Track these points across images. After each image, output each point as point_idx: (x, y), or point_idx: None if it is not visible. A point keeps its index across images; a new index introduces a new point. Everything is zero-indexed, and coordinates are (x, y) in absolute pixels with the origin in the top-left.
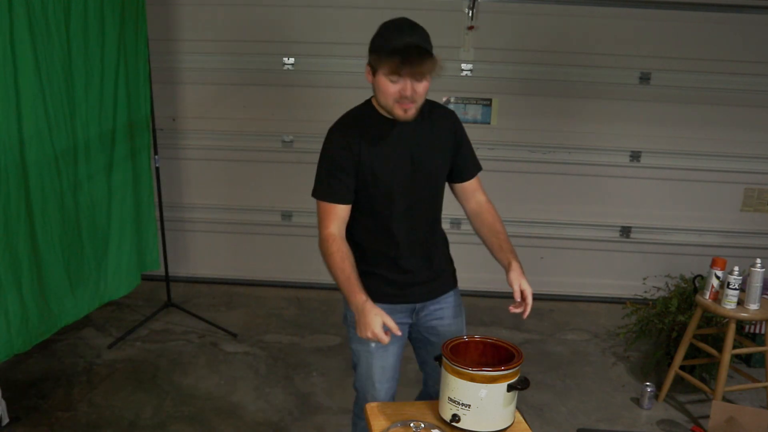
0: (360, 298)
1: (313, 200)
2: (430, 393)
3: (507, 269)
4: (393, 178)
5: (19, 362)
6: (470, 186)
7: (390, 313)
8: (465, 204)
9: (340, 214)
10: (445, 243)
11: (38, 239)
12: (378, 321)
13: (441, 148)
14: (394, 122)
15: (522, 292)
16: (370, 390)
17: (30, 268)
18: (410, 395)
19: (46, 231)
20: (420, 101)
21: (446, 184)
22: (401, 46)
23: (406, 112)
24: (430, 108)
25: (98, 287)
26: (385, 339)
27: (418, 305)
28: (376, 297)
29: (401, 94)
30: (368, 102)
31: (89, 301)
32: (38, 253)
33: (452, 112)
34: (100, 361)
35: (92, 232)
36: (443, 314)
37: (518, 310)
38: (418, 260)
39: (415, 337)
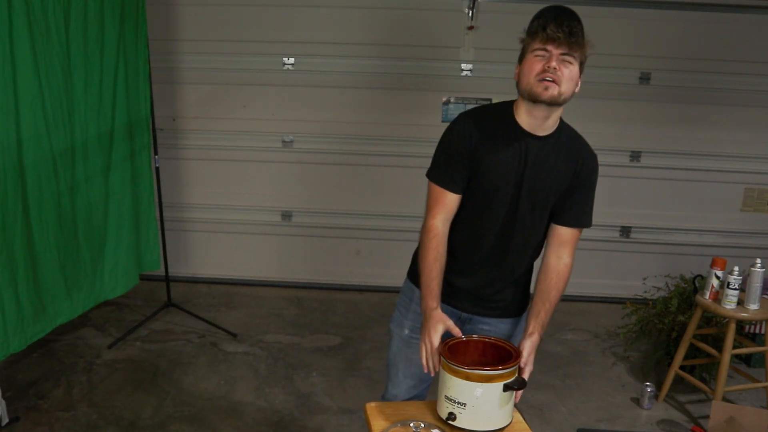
0: (431, 304)
1: (313, 200)
2: None
3: (526, 336)
4: (498, 185)
5: (18, 362)
6: (563, 235)
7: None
8: (547, 250)
9: (448, 203)
10: (525, 276)
11: (34, 240)
12: (439, 330)
13: (557, 179)
14: (523, 132)
15: (524, 362)
16: (393, 377)
17: (26, 268)
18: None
19: (43, 231)
20: (564, 86)
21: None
22: (554, 20)
23: (547, 89)
24: (566, 135)
25: (94, 287)
26: (427, 367)
27: (465, 315)
28: None
29: (545, 68)
30: (510, 102)
31: (84, 300)
32: (34, 254)
33: (591, 154)
34: (100, 361)
35: (89, 232)
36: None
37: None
38: (485, 275)
39: None
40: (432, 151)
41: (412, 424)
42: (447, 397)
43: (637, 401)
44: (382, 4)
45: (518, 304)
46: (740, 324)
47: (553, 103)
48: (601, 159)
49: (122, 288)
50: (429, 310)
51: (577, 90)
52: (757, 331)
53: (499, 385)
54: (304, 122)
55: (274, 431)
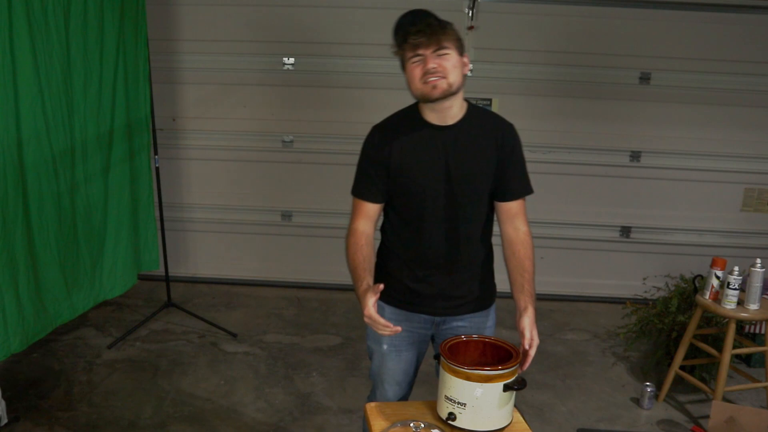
0: (360, 286)
1: (313, 200)
2: None
3: (521, 313)
4: (425, 184)
5: (19, 362)
6: (511, 209)
7: (407, 320)
8: (502, 226)
9: (368, 212)
10: (487, 262)
11: (35, 240)
12: (366, 308)
13: (481, 159)
14: (435, 127)
15: (530, 341)
16: (379, 387)
17: (26, 268)
18: (416, 395)
19: (43, 232)
20: (451, 77)
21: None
22: (413, 24)
23: (435, 87)
24: (476, 116)
25: (93, 287)
26: (386, 323)
27: (438, 318)
28: (396, 301)
29: (425, 71)
30: (415, 104)
31: (84, 300)
32: (35, 254)
33: (507, 125)
34: (100, 361)
35: (88, 232)
36: (467, 332)
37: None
38: (444, 275)
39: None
40: None
41: (412, 424)
42: (447, 397)
43: (637, 401)
44: (382, 4)
45: (487, 295)
46: (740, 324)
47: (447, 95)
48: (601, 159)
49: (121, 288)
50: (361, 290)
51: (466, 71)
52: (757, 331)
53: (499, 385)
54: (304, 122)
55: (274, 431)
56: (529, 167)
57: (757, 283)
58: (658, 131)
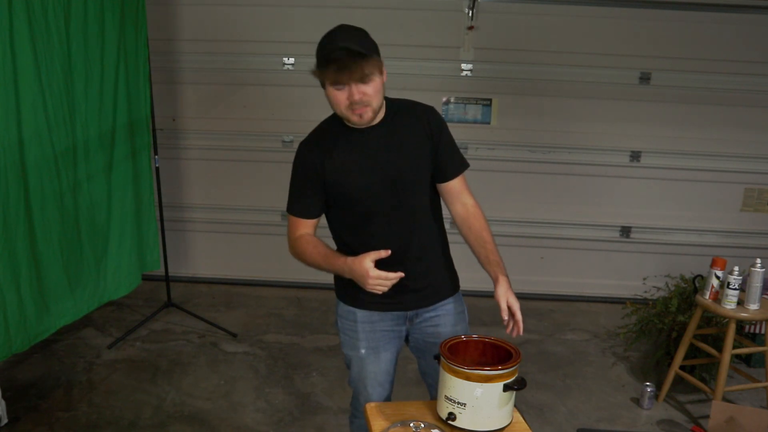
0: (341, 261)
1: None
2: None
3: (494, 283)
4: (363, 188)
5: (19, 362)
6: (454, 187)
7: (381, 320)
8: (450, 207)
9: (306, 225)
10: (443, 248)
11: (37, 239)
12: (367, 264)
13: (414, 149)
14: (361, 130)
15: (510, 308)
16: (362, 392)
17: (29, 268)
18: (410, 395)
19: (45, 231)
20: (375, 103)
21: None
22: (334, 52)
23: (362, 116)
24: (397, 109)
25: (97, 287)
26: (391, 275)
27: (410, 312)
28: (366, 304)
29: (349, 100)
30: (335, 113)
31: (88, 301)
32: (37, 254)
33: (428, 109)
34: (100, 361)
35: (91, 232)
36: (440, 321)
37: (509, 329)
38: (406, 267)
39: (414, 346)
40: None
41: (412, 424)
42: (447, 397)
43: (637, 401)
44: (382, 4)
45: (453, 279)
46: (740, 324)
47: (372, 120)
48: (601, 159)
49: (126, 288)
50: (344, 264)
51: (385, 79)
52: (757, 331)
53: (499, 385)
54: (304, 122)
55: (274, 431)
56: (530, 167)
57: (757, 283)
58: (658, 131)
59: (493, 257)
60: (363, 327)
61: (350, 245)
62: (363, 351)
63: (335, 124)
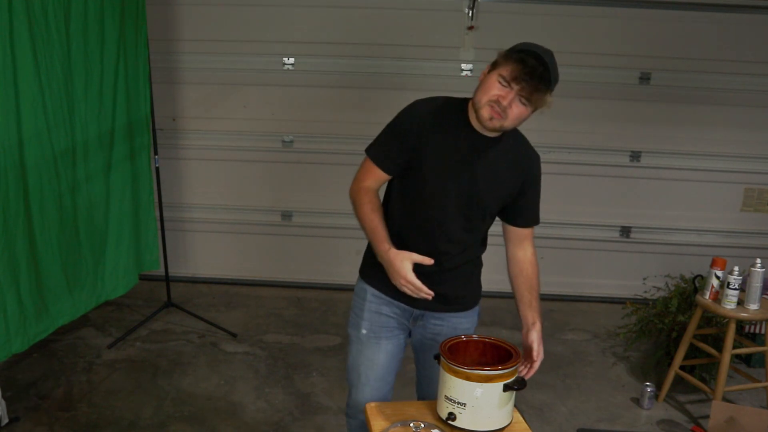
0: (384, 247)
1: (313, 200)
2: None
3: (530, 327)
4: (444, 186)
5: (19, 362)
6: (522, 233)
7: (389, 307)
8: (510, 247)
9: (378, 177)
10: (474, 271)
11: (36, 240)
12: (407, 266)
13: (505, 182)
14: (475, 132)
15: (537, 354)
16: (355, 383)
17: (28, 268)
18: (410, 395)
19: (44, 231)
20: (508, 125)
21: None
22: (536, 58)
23: (491, 120)
24: (515, 140)
25: (95, 287)
26: (423, 288)
27: (416, 312)
28: (381, 286)
29: (499, 99)
30: (465, 100)
31: (86, 301)
32: (36, 254)
33: (536, 156)
34: (100, 361)
35: (90, 232)
36: (442, 331)
37: (522, 372)
38: (433, 272)
39: (416, 344)
40: None
41: (412, 424)
42: (447, 397)
43: (637, 401)
44: (383, 4)
45: (470, 298)
46: (740, 324)
47: (493, 131)
48: (601, 159)
49: (123, 288)
50: (385, 252)
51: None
52: (757, 331)
53: (499, 385)
54: (304, 122)
55: (274, 431)
56: None
57: (757, 283)
58: (658, 131)
59: (536, 303)
60: (369, 306)
61: (396, 228)
62: (364, 332)
63: (460, 108)
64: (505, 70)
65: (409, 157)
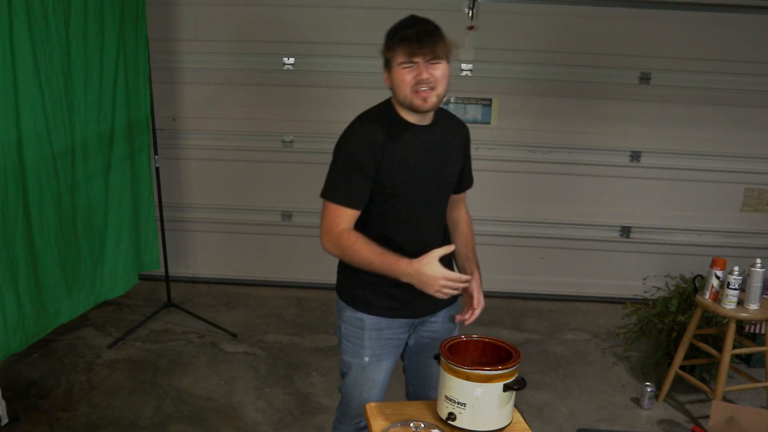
0: (405, 263)
1: (313, 200)
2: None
3: (471, 279)
4: (408, 183)
5: (18, 362)
6: (458, 197)
7: (388, 328)
8: (449, 211)
9: (351, 218)
10: (448, 259)
11: (35, 240)
12: (437, 266)
13: (454, 157)
14: (412, 125)
15: (478, 302)
16: (356, 398)
17: (27, 268)
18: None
19: (43, 232)
20: (440, 89)
21: None
22: (407, 29)
23: (426, 100)
24: (443, 116)
25: (94, 287)
26: (463, 277)
27: (417, 320)
28: (376, 310)
29: (417, 80)
30: (388, 101)
31: (85, 300)
32: (35, 254)
33: (465, 125)
34: (100, 361)
35: (89, 232)
36: (436, 327)
37: (464, 317)
38: None
39: (412, 348)
40: None
41: (412, 424)
42: (447, 397)
43: (637, 401)
44: (382, 4)
45: None
46: (740, 324)
47: (434, 108)
48: (601, 159)
49: (122, 288)
50: (409, 267)
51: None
52: (757, 331)
53: (499, 385)
54: (304, 122)
55: (274, 431)
56: (529, 167)
57: (757, 283)
58: (658, 131)
59: (472, 255)
60: (370, 335)
61: (395, 241)
62: (367, 359)
63: (390, 112)
64: (400, 56)
65: (374, 180)
